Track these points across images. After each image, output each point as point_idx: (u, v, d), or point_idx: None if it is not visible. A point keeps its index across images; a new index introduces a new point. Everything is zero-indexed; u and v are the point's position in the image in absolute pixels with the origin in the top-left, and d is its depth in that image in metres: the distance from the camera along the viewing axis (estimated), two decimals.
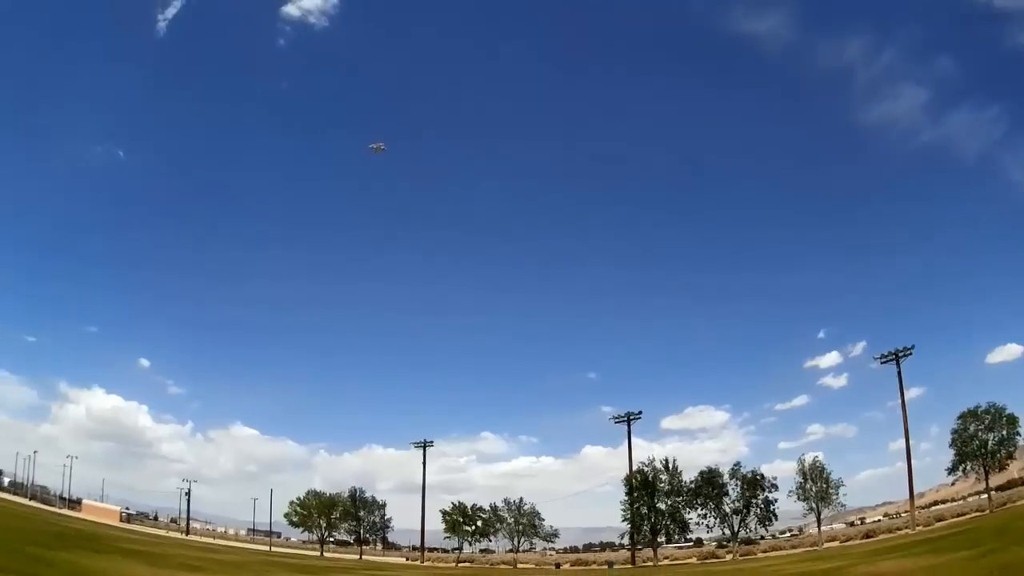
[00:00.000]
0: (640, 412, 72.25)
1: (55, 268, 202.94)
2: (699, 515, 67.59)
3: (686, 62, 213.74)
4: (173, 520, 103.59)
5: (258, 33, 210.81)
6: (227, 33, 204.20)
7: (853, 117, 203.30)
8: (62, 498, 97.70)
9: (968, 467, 68.00)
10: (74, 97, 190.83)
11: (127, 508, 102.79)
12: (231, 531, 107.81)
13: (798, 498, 66.64)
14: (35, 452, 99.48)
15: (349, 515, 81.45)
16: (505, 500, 75.29)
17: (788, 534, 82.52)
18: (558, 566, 70.61)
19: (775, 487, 66.13)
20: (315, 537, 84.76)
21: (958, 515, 67.91)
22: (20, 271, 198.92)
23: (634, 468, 69.28)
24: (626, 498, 69.03)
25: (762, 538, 72.28)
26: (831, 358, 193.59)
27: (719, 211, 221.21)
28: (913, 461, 67.78)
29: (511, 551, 75.40)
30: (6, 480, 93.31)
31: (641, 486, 68.21)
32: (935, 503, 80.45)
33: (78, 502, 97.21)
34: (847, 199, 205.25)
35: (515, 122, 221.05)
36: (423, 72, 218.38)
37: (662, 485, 68.08)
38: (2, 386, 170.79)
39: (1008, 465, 70.90)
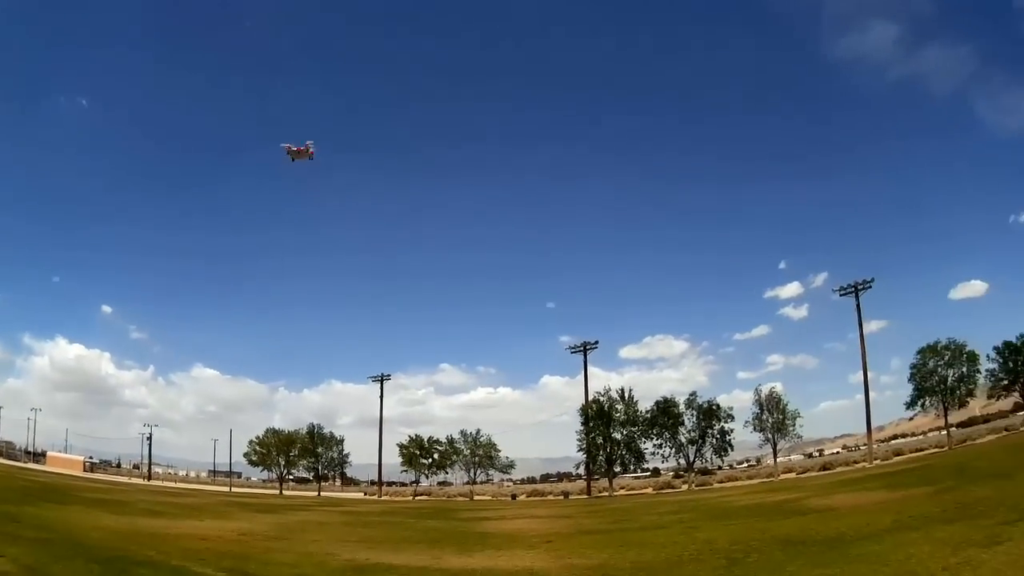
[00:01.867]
0: (597, 342, 71.60)
1: (14, 222, 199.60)
2: (655, 445, 67.08)
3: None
4: (135, 466, 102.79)
5: None
6: None
7: (823, 49, 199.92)
8: (27, 452, 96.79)
9: (927, 403, 67.57)
10: (38, 45, 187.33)
11: (90, 457, 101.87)
12: (192, 473, 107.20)
13: (754, 429, 66.31)
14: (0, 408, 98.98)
15: (307, 452, 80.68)
16: (462, 432, 74.61)
17: (745, 464, 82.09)
18: (514, 497, 69.88)
19: (731, 417, 65.60)
20: (275, 476, 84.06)
21: (917, 450, 67.61)
22: None
23: (590, 398, 68.60)
24: (582, 428, 68.35)
25: (719, 468, 71.92)
26: (792, 288, 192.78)
27: (681, 139, 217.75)
28: (873, 395, 67.48)
29: (468, 483, 74.65)
30: None
31: (597, 416, 67.47)
32: (894, 437, 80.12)
33: (43, 455, 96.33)
34: (814, 132, 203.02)
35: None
36: None
37: (618, 415, 67.33)
38: None
39: (968, 402, 70.54)
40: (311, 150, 53.65)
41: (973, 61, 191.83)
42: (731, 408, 66.21)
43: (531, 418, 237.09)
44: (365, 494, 79.77)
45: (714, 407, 65.84)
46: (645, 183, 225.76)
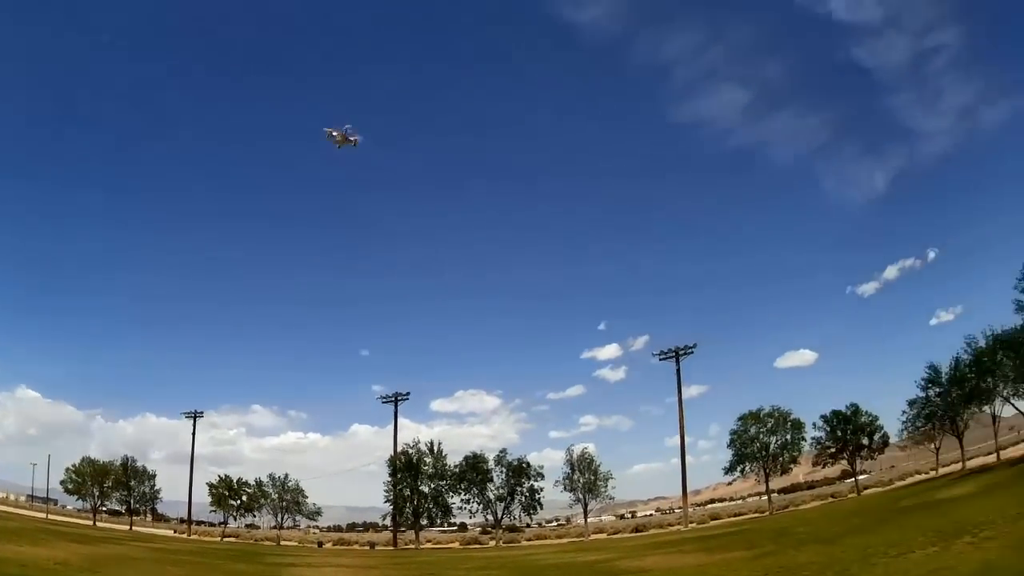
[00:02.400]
0: (408, 393, 68.93)
1: None
2: (462, 500, 64.45)
3: (499, 53, 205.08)
4: None
5: None
6: None
7: (667, 114, 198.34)
8: None
9: (747, 468, 65.85)
10: None
11: None
12: (12, 496, 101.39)
13: (565, 488, 64.27)
14: None
15: (120, 484, 76.33)
16: (270, 475, 71.21)
17: (555, 523, 79.90)
18: (320, 545, 66.41)
19: (541, 476, 64.03)
20: (89, 506, 79.52)
21: (736, 515, 65.97)
22: None
23: (399, 449, 65.46)
24: (390, 479, 65.21)
25: (527, 526, 69.54)
26: (610, 350, 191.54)
27: (509, 198, 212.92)
28: (690, 459, 65.63)
29: (275, 527, 71.00)
30: None
31: (405, 468, 64.42)
32: (711, 501, 78.50)
33: None
34: (649, 194, 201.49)
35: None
36: None
37: (426, 468, 64.47)
38: None
39: (792, 469, 69.00)
40: (355, 136, 50.14)
41: (822, 132, 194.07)
42: (542, 466, 64.70)
43: (339, 466, 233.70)
44: (175, 531, 75.55)
45: (524, 465, 63.94)
46: (460, 238, 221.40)
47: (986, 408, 62.13)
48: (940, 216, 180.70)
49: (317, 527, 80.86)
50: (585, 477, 63.12)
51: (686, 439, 63.08)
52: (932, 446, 71.20)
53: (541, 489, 63.27)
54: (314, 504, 69.10)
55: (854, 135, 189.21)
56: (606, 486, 63.30)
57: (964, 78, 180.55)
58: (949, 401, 61.70)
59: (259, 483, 69.93)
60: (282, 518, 69.47)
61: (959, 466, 61.09)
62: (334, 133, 49.10)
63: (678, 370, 60.97)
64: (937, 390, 64.33)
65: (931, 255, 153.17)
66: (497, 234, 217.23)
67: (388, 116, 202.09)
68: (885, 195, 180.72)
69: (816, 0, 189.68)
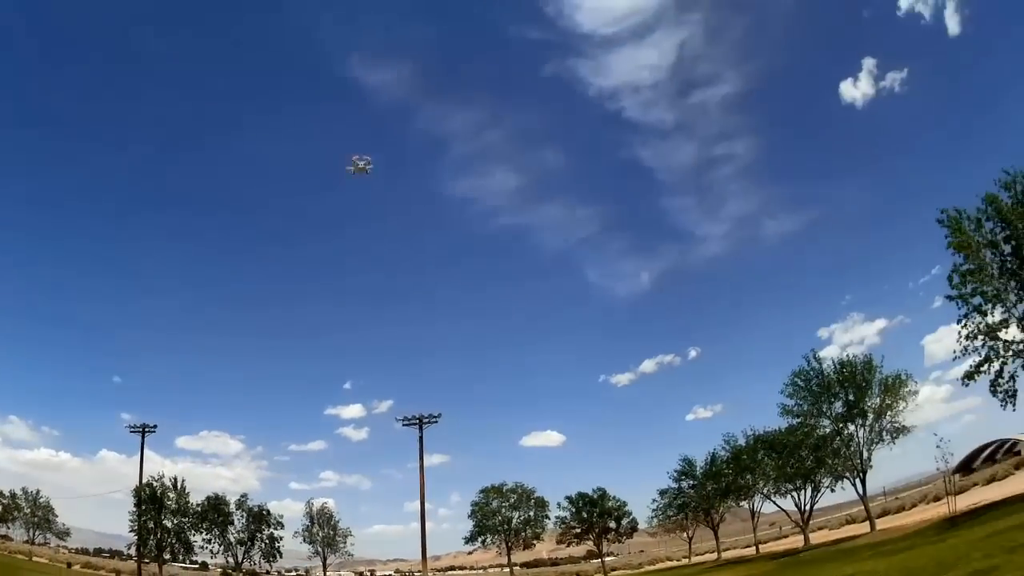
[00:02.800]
0: (156, 425, 69.18)
1: None
2: (204, 539, 65.69)
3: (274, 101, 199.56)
4: None
5: None
6: None
7: (441, 185, 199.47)
8: None
9: (488, 540, 68.64)
10: None
11: None
12: None
13: (304, 540, 66.11)
14: None
15: None
16: (23, 489, 71.44)
17: (294, 573, 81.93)
18: (69, 565, 67.16)
19: (281, 525, 65.95)
20: None
21: None
22: None
23: (144, 481, 66.38)
24: (135, 509, 66.06)
25: (267, 572, 71.06)
26: (354, 410, 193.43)
27: (277, 246, 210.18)
28: (431, 524, 68.13)
29: (28, 542, 71.37)
30: None
31: (150, 500, 65.30)
32: (451, 568, 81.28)
33: None
34: (413, 261, 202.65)
35: None
36: None
37: (170, 503, 65.48)
38: None
39: (535, 544, 72.11)
40: (368, 166, 52.28)
41: (592, 224, 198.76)
42: (282, 516, 66.36)
43: (89, 489, 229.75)
44: None
45: (264, 512, 65.67)
46: (220, 274, 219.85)
47: (744, 503, 66.21)
48: (705, 318, 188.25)
49: (67, 547, 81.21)
50: (324, 531, 65.24)
51: (427, 505, 65.41)
52: (684, 535, 75.28)
53: (281, 538, 65.14)
54: (64, 524, 69.75)
55: (626, 230, 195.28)
56: (345, 542, 65.58)
57: (747, 189, 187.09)
58: (704, 494, 65.41)
59: (13, 495, 70.20)
60: (34, 534, 69.93)
61: (714, 555, 64.74)
62: (358, 163, 50.43)
63: (421, 437, 62.96)
64: (691, 482, 68.02)
65: (692, 353, 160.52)
66: (263, 274, 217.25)
67: None
68: (650, 292, 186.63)
69: (608, 97, 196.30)
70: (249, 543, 64.62)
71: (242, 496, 66.29)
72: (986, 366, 30.65)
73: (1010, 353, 30.12)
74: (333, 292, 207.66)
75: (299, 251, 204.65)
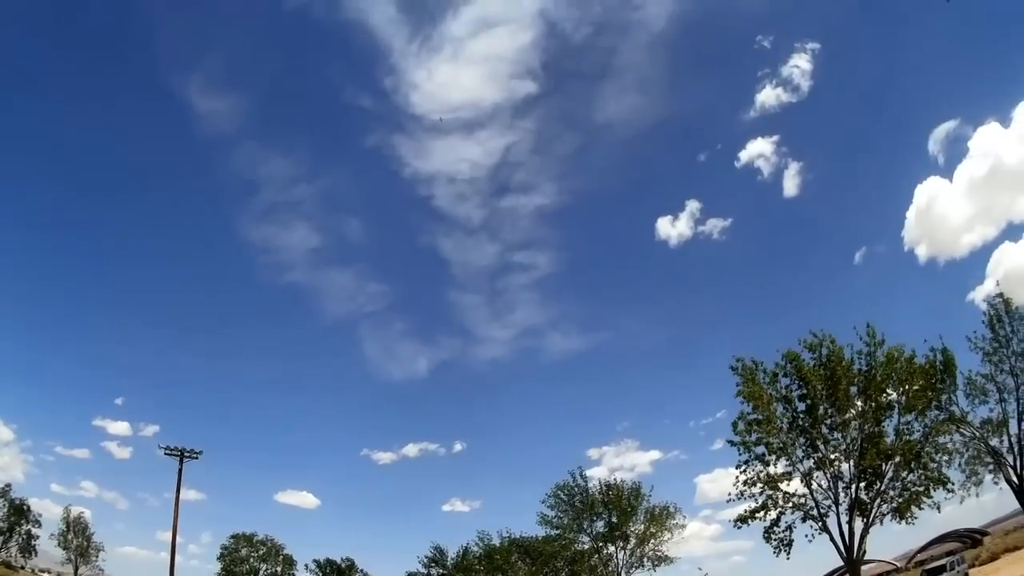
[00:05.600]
0: None
1: None
2: None
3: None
4: None
5: None
6: None
7: (241, 229, 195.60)
8: None
9: None
10: None
11: None
12: None
13: (59, 544, 69.21)
14: None
15: None
16: None
17: (47, 574, 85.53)
18: None
19: (39, 524, 66.78)
20: None
21: None
22: None
23: None
24: None
25: (22, 567, 74.95)
26: (121, 427, 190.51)
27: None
28: (181, 559, 72.32)
29: None
30: None
31: None
32: None
33: None
34: (198, 297, 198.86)
35: None
36: None
37: None
38: None
39: None
40: None
41: (380, 301, 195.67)
42: (41, 515, 65.59)
43: None
44: None
45: (25, 507, 65.64)
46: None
47: None
48: (476, 415, 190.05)
49: None
50: (79, 540, 69.10)
51: (178, 538, 70.86)
52: None
53: (38, 536, 67.78)
54: None
55: (411, 315, 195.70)
56: (97, 556, 68.73)
57: (539, 301, 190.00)
58: None
59: None
60: None
61: None
62: None
63: (180, 469, 67.84)
64: (440, 571, 73.47)
65: (457, 447, 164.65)
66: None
67: None
68: (426, 379, 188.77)
69: (423, 182, 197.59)
70: (8, 534, 68.35)
71: (6, 486, 62.24)
72: (762, 513, 30.75)
73: (790, 504, 30.52)
74: (117, 304, 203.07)
75: (89, 259, 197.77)
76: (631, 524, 46.74)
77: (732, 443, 30.61)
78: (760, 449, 30.30)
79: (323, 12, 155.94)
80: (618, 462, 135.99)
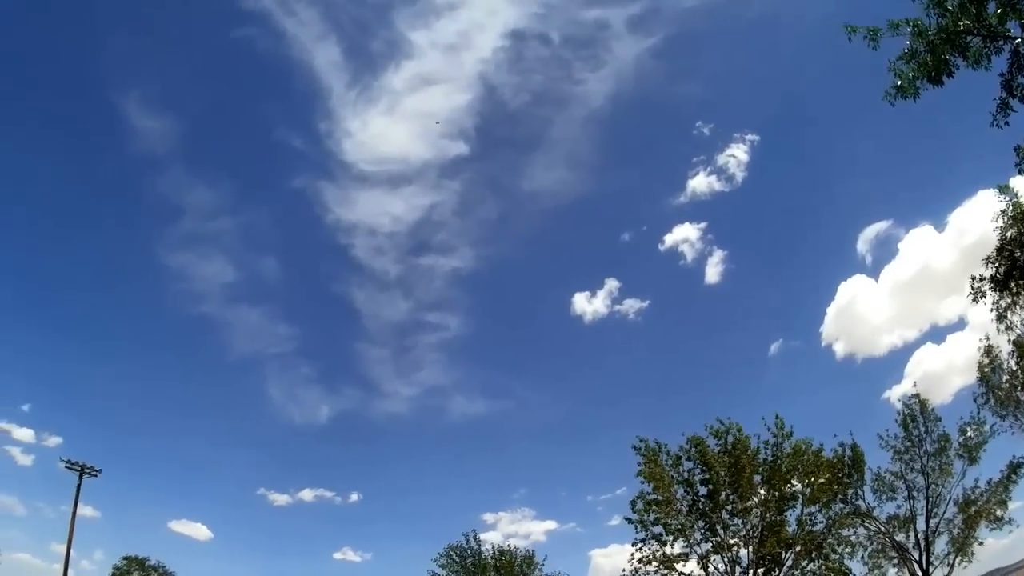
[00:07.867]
0: None
1: None
2: None
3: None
4: None
5: None
6: None
7: (160, 253, 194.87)
8: None
9: None
10: None
11: None
12: None
13: None
14: None
15: None
16: None
17: None
18: None
19: None
20: None
21: None
22: None
23: None
24: None
25: None
26: (26, 433, 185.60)
27: None
28: (73, 573, 68.58)
29: None
30: None
31: None
32: None
33: None
34: (109, 314, 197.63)
35: None
36: None
37: None
38: None
39: None
40: None
41: (288, 343, 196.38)
42: None
43: None
44: None
45: None
46: None
47: None
48: (374, 468, 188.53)
49: None
50: None
51: (72, 553, 66.70)
52: None
53: None
54: None
55: (318, 362, 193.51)
56: None
57: (445, 362, 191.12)
58: None
59: None
60: None
61: None
62: None
63: (79, 484, 64.92)
64: None
65: (353, 496, 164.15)
66: None
67: None
68: (326, 427, 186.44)
69: (344, 230, 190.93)
70: None
71: None
72: None
73: None
74: (28, 309, 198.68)
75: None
76: None
77: (630, 520, 30.34)
78: (658, 529, 30.12)
79: (269, 46, 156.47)
80: (513, 528, 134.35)
